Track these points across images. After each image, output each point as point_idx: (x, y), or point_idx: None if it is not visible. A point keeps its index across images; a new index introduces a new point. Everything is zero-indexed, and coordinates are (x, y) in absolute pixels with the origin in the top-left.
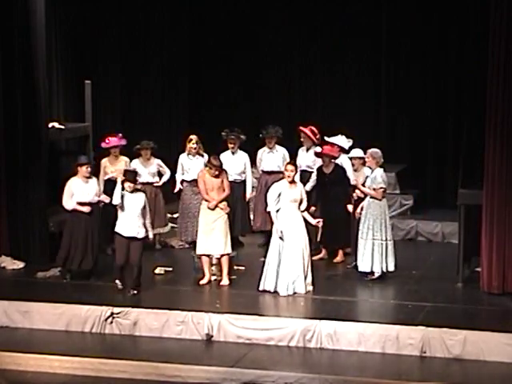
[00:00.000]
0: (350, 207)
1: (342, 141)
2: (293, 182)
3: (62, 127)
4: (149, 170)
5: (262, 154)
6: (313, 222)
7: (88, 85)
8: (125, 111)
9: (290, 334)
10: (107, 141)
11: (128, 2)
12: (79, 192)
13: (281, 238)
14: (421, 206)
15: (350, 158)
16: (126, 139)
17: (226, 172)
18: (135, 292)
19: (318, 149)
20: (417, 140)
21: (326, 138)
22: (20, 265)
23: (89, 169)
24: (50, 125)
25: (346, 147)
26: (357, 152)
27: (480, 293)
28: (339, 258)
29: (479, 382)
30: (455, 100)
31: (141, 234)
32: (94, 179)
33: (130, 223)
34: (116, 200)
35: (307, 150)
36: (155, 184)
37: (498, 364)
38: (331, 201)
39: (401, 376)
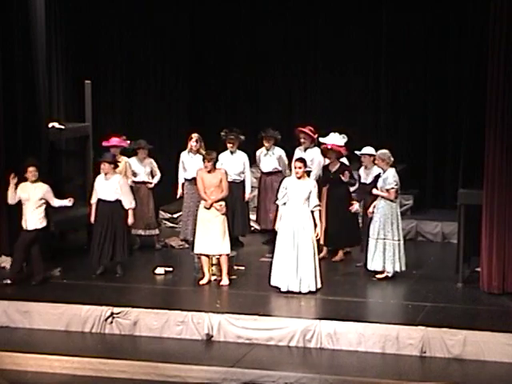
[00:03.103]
0: (356, 206)
1: (337, 139)
2: (302, 177)
3: (62, 127)
4: (145, 169)
5: (260, 154)
6: (316, 227)
7: (88, 85)
8: (125, 111)
9: (290, 333)
10: (110, 141)
11: (128, 2)
12: (99, 188)
13: (276, 231)
14: (421, 206)
15: (360, 156)
16: (129, 142)
17: (226, 173)
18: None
19: (331, 138)
20: (417, 140)
21: (321, 139)
22: None
23: (106, 165)
24: (50, 125)
25: (342, 144)
26: (367, 149)
27: (480, 293)
28: (338, 257)
29: (479, 382)
30: (455, 100)
31: (42, 225)
32: (117, 177)
33: (31, 215)
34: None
35: (305, 150)
36: (148, 185)
37: (498, 364)
38: (337, 200)
39: (401, 376)
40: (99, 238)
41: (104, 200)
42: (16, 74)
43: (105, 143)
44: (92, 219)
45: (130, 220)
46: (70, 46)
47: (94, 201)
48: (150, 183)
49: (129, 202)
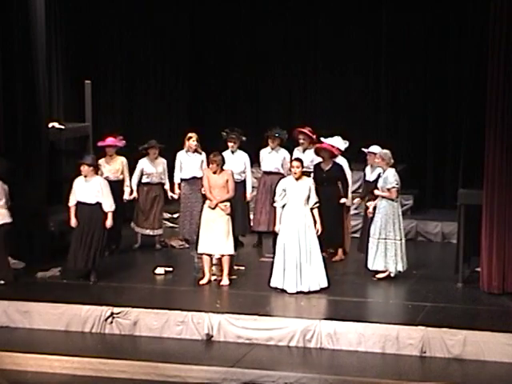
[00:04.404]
0: (343, 200)
1: (339, 142)
2: (300, 177)
3: (62, 127)
4: (157, 169)
5: (264, 153)
6: (316, 224)
7: (88, 85)
8: (125, 111)
9: (290, 333)
10: (106, 141)
11: (128, 2)
12: (78, 190)
13: (277, 234)
14: (421, 206)
15: (367, 154)
16: (125, 142)
17: (232, 174)
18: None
19: (333, 140)
20: (417, 140)
21: (323, 139)
22: (20, 265)
23: (85, 168)
24: (50, 125)
25: (343, 148)
26: (373, 148)
27: (480, 293)
28: (338, 257)
29: (479, 382)
30: (455, 100)
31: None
32: (98, 179)
33: None
34: None
35: (303, 150)
36: (165, 186)
37: (498, 364)
38: (327, 199)
39: (401, 376)
40: (78, 242)
41: (83, 202)
42: (16, 74)
43: (100, 143)
44: (72, 223)
45: (109, 223)
46: (70, 46)
47: (72, 203)
48: (164, 183)
49: (109, 205)
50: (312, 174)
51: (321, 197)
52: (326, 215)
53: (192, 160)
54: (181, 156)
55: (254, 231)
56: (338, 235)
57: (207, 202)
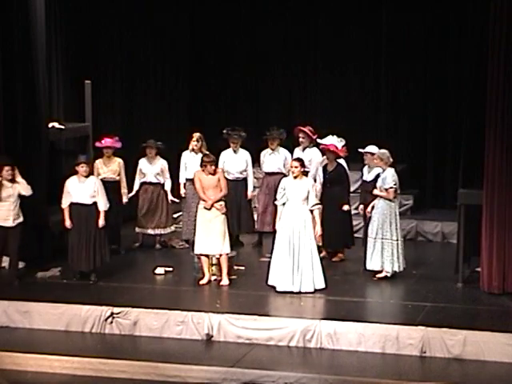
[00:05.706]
0: (345, 207)
1: (333, 141)
2: (299, 177)
3: (62, 127)
4: (152, 169)
5: (265, 155)
6: (316, 227)
7: (88, 85)
8: (125, 111)
9: (290, 333)
10: (103, 141)
11: (128, 2)
12: (73, 191)
13: (275, 232)
14: (421, 206)
15: (363, 154)
16: (121, 142)
17: (222, 171)
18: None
19: (328, 140)
20: (417, 140)
21: (319, 141)
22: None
23: (84, 168)
24: (50, 125)
25: (339, 147)
26: (370, 148)
27: (480, 293)
28: (338, 257)
29: (479, 382)
30: (455, 100)
31: (17, 222)
32: (92, 179)
33: (5, 212)
34: None
35: (303, 149)
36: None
37: (498, 364)
38: (330, 200)
39: (401, 376)
40: (78, 243)
41: (80, 203)
42: (16, 74)
43: (98, 144)
44: (67, 224)
45: (101, 222)
46: (70, 46)
47: (66, 205)
48: (159, 184)
49: (104, 204)
50: (309, 174)
51: (325, 198)
52: (330, 216)
53: (196, 160)
54: (185, 156)
55: (258, 232)
56: (349, 234)
57: (202, 202)
